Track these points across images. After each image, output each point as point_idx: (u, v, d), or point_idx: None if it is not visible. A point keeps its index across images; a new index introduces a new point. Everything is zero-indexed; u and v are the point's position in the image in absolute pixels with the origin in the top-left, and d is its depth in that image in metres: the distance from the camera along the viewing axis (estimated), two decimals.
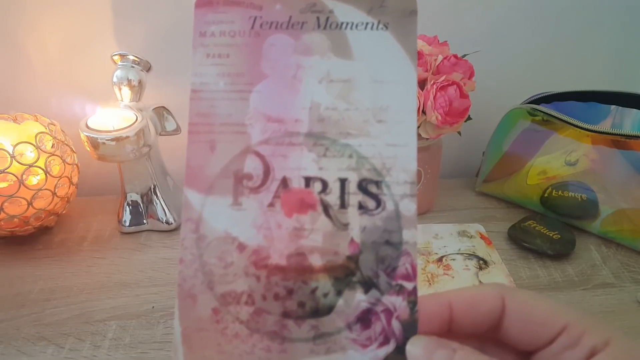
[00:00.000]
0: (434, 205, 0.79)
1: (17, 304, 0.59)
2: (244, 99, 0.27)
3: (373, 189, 0.26)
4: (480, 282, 0.63)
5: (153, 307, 0.59)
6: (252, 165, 0.26)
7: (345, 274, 0.25)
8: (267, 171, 0.26)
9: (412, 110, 0.26)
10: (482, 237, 0.71)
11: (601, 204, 0.69)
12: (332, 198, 0.26)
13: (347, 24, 0.27)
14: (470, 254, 0.67)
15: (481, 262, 0.66)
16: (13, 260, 0.66)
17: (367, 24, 0.27)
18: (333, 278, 0.26)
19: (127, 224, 0.72)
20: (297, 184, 0.26)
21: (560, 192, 0.72)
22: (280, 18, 0.27)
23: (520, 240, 0.69)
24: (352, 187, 0.26)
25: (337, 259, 0.26)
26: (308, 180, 0.26)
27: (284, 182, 0.26)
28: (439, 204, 0.79)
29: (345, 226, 0.26)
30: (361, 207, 0.26)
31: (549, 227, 0.70)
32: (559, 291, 0.62)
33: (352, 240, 0.26)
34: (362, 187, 0.26)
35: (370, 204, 0.26)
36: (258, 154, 0.26)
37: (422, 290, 0.61)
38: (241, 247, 0.26)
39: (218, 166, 0.26)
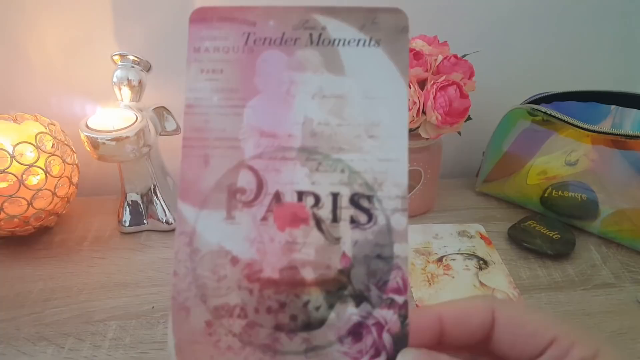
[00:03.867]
0: (434, 205, 0.79)
1: (17, 304, 0.59)
2: (237, 114, 0.27)
3: (365, 203, 0.26)
4: (480, 282, 0.63)
5: (153, 307, 0.59)
6: (245, 180, 0.26)
7: (337, 288, 0.26)
8: (260, 185, 0.26)
9: (403, 125, 0.26)
10: (482, 237, 0.71)
11: (601, 204, 0.69)
12: (325, 212, 0.26)
13: (340, 40, 0.27)
14: (470, 254, 0.68)
15: (481, 262, 0.66)
16: (13, 260, 0.67)
17: (359, 40, 0.27)
18: (325, 292, 0.26)
19: (127, 224, 0.72)
20: (289, 198, 0.26)
21: (560, 192, 0.72)
22: (273, 34, 0.27)
23: (520, 240, 0.69)
24: (344, 201, 0.26)
25: (329, 272, 0.26)
26: (301, 195, 0.26)
27: (277, 196, 0.26)
28: (439, 204, 0.79)
29: (337, 240, 0.26)
30: (353, 221, 0.26)
31: (549, 227, 0.70)
32: (559, 291, 0.62)
33: (344, 254, 0.26)
34: (354, 201, 0.26)
35: (362, 218, 0.26)
36: (251, 169, 0.26)
37: (422, 291, 0.61)
38: (234, 260, 0.26)
39: (212, 180, 0.26)
